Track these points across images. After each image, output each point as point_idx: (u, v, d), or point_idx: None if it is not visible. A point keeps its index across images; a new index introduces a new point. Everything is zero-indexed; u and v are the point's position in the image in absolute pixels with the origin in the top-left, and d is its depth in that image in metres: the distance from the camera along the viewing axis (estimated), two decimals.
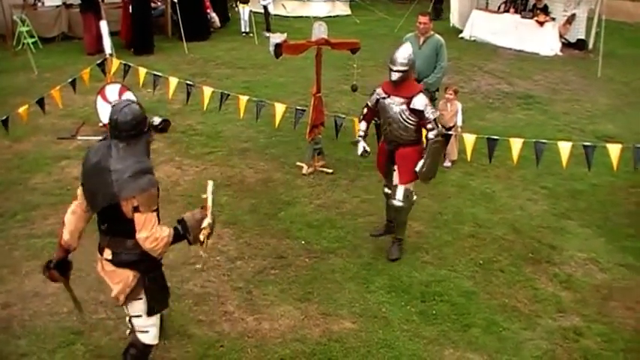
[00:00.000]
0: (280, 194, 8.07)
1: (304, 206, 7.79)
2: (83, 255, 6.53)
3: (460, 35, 18.76)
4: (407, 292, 6.11)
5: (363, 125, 6.93)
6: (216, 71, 14.10)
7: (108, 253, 4.36)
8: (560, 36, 17.79)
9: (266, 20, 18.41)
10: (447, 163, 9.02)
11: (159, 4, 17.57)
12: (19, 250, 6.72)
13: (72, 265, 4.74)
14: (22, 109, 8.30)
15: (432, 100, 8.85)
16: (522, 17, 17.87)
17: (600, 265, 6.77)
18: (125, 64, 9.30)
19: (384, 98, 6.50)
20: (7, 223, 7.29)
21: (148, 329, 4.53)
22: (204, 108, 8.93)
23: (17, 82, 12.64)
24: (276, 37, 8.02)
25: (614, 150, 7.09)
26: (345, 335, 5.48)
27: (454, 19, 19.79)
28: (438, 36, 8.79)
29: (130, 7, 15.30)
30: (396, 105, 6.39)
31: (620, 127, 11.20)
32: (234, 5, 20.01)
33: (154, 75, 9.00)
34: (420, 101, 6.30)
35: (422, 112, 6.30)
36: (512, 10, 18.48)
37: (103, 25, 10.30)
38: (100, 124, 9.91)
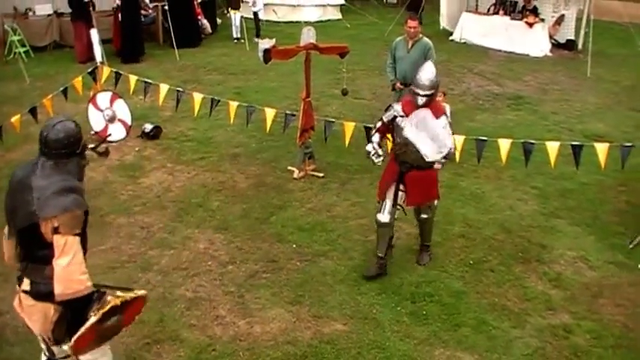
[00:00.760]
0: (272, 198, 8.10)
1: (295, 210, 7.83)
2: None
3: (450, 37, 18.88)
4: (397, 294, 6.14)
5: (376, 137, 6.46)
6: (208, 77, 14.15)
7: (26, 284, 3.91)
8: (550, 37, 17.92)
9: (256, 26, 18.47)
10: (437, 165, 9.03)
11: (150, 11, 17.60)
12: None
13: None
14: (14, 119, 8.33)
15: None
16: (512, 19, 18.00)
17: (590, 263, 6.81)
18: (116, 72, 9.33)
19: (402, 117, 6.14)
20: None
21: None
22: (195, 114, 8.97)
23: (9, 91, 12.66)
24: (265, 43, 8.06)
25: (602, 149, 7.13)
26: (337, 337, 5.51)
27: (444, 21, 19.90)
28: (426, 39, 8.86)
29: (120, 15, 15.34)
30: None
31: (609, 125, 11.29)
32: (224, 11, 20.08)
33: (145, 82, 9.04)
34: (441, 122, 6.04)
35: (444, 128, 6.04)
36: (501, 11, 18.62)
37: (94, 34, 10.36)
38: (92, 133, 9.93)
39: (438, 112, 6.06)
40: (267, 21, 19.84)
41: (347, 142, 8.24)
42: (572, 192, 8.50)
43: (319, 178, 8.68)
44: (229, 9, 18.82)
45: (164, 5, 16.66)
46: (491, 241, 7.21)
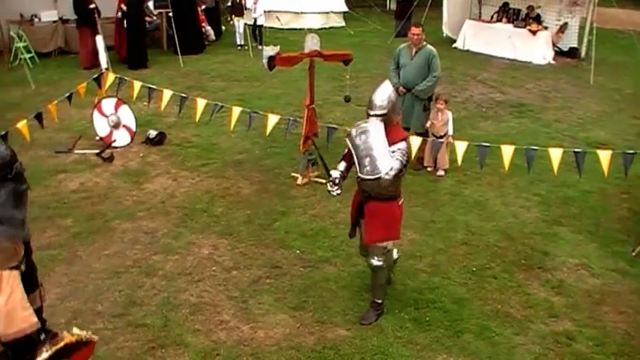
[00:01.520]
0: (275, 205, 8.13)
1: (299, 216, 7.85)
2: (80, 266, 6.69)
3: (453, 45, 18.92)
4: (400, 300, 6.16)
5: (341, 165, 5.87)
6: (212, 84, 14.21)
7: None
8: (553, 44, 17.95)
9: (253, 33, 18.48)
10: (440, 172, 9.10)
11: (154, 18, 17.69)
12: None
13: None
14: (20, 124, 8.36)
15: (425, 110, 8.99)
16: (515, 27, 18.06)
17: (592, 270, 6.82)
18: (120, 78, 9.38)
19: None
20: None
21: None
22: (197, 119, 8.97)
23: (13, 97, 12.73)
24: (270, 50, 8.12)
25: (604, 156, 7.11)
26: (340, 343, 5.53)
27: (447, 29, 19.95)
28: (430, 47, 8.91)
29: (125, 22, 15.42)
30: None
31: (611, 133, 11.32)
32: (228, 19, 20.17)
33: (149, 88, 9.08)
34: (398, 146, 5.40)
35: (393, 152, 5.37)
36: (504, 19, 18.68)
37: (99, 40, 10.41)
38: (97, 138, 10.01)
39: (395, 138, 5.42)
40: (270, 28, 19.94)
41: None
42: (574, 199, 8.52)
43: (322, 184, 8.70)
44: (233, 16, 18.90)
45: (168, 12, 16.74)
46: (494, 248, 7.23)
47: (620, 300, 6.31)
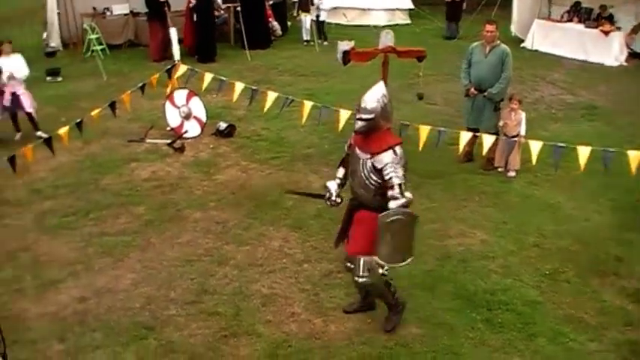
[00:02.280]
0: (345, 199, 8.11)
1: None
2: (153, 253, 6.84)
3: (521, 45, 18.55)
4: (471, 300, 6.10)
5: (340, 172, 5.74)
6: (279, 78, 14.33)
7: None
8: (626, 46, 17.42)
9: (317, 29, 18.48)
10: (512, 173, 8.95)
11: (222, 12, 17.90)
12: (92, 247, 6.98)
13: None
14: (94, 112, 8.58)
15: (496, 110, 8.86)
16: (586, 27, 17.55)
17: None
18: (191, 70, 9.49)
19: (347, 154, 5.51)
20: (80, 221, 7.59)
21: None
22: (264, 111, 8.87)
23: (86, 87, 13.13)
24: (345, 45, 8.11)
25: None
26: (411, 340, 5.51)
27: (515, 28, 19.57)
28: (504, 46, 8.80)
29: (195, 16, 15.66)
30: (361, 158, 5.19)
31: None
32: (294, 14, 20.28)
33: (221, 80, 9.18)
34: (384, 158, 5.01)
35: (381, 170, 5.01)
36: (575, 19, 18.20)
37: (173, 32, 10.64)
38: (168, 128, 10.20)
39: (379, 147, 5.06)
40: (336, 24, 19.97)
41: (421, 146, 8.08)
42: None
43: None
44: (300, 11, 19.00)
45: (236, 7, 16.92)
46: (566, 252, 7.07)
47: None
